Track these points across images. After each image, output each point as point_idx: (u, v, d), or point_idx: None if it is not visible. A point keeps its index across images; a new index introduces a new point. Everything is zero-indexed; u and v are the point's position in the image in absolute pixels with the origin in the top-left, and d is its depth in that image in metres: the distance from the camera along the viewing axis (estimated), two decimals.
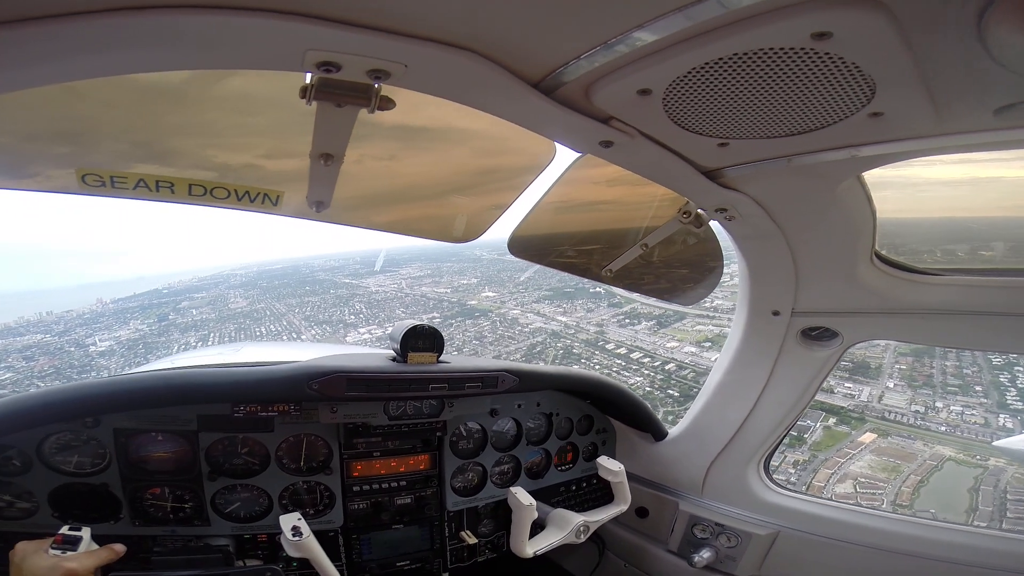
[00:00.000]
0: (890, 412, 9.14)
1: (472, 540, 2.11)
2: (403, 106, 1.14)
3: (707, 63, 0.88)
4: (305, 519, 1.60)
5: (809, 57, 0.84)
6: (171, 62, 0.87)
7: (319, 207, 1.51)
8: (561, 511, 2.17)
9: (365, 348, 3.03)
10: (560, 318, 22.12)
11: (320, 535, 1.68)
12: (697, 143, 1.18)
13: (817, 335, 1.92)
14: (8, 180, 1.33)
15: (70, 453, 1.57)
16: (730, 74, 0.91)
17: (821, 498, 2.13)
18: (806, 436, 8.63)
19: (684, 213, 1.67)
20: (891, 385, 9.88)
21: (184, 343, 24.68)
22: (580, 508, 2.27)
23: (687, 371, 13.92)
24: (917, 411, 9.05)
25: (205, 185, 1.40)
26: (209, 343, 24.39)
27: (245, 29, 0.75)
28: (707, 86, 0.95)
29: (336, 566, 1.70)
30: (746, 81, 0.92)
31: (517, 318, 23.44)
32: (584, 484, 2.49)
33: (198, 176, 1.38)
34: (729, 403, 2.16)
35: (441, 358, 1.92)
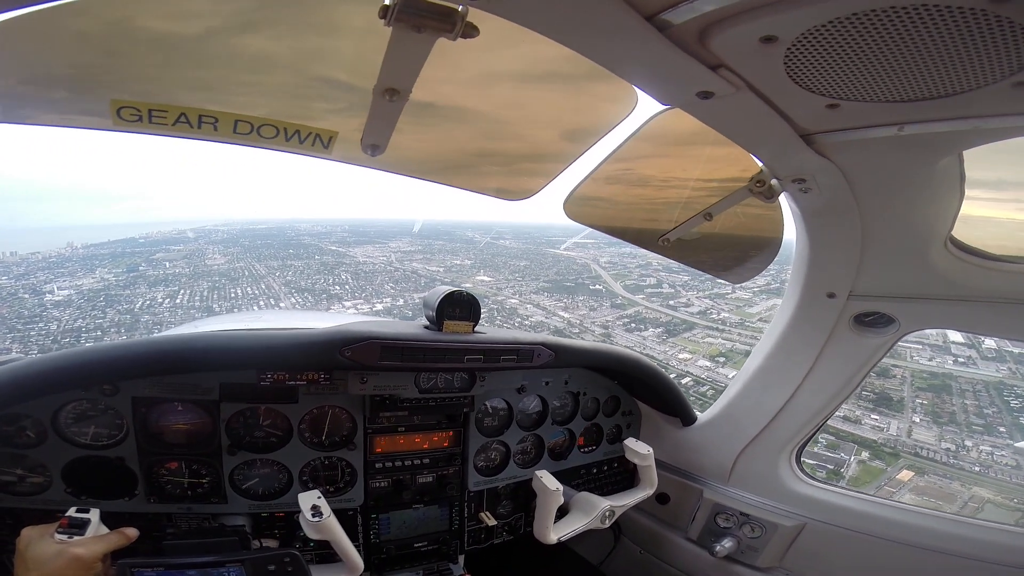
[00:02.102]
0: (922, 448, 9.31)
1: (492, 522, 2.17)
2: (472, 52, 1.10)
3: (856, 14, 0.85)
4: (325, 497, 1.60)
5: (976, 18, 0.81)
6: None
7: (374, 150, 1.48)
8: (586, 495, 2.21)
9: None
10: (562, 313, 22.21)
11: (338, 514, 1.68)
12: (805, 101, 1.17)
13: (871, 321, 1.95)
14: (40, 115, 1.30)
15: (86, 424, 1.58)
16: (877, 29, 0.87)
17: (853, 491, 2.19)
18: (843, 470, 8.80)
19: (758, 182, 1.67)
20: (917, 420, 10.13)
21: (150, 298, 24.61)
22: (601, 492, 2.32)
23: (706, 387, 14.05)
24: (948, 449, 9.28)
25: (252, 122, 1.32)
26: (177, 300, 24.39)
27: None
28: (845, 39, 0.91)
29: (353, 546, 1.70)
30: (892, 38, 0.89)
31: (516, 308, 23.59)
32: (606, 467, 2.57)
33: (245, 111, 1.30)
34: (768, 388, 2.20)
35: (476, 328, 1.93)
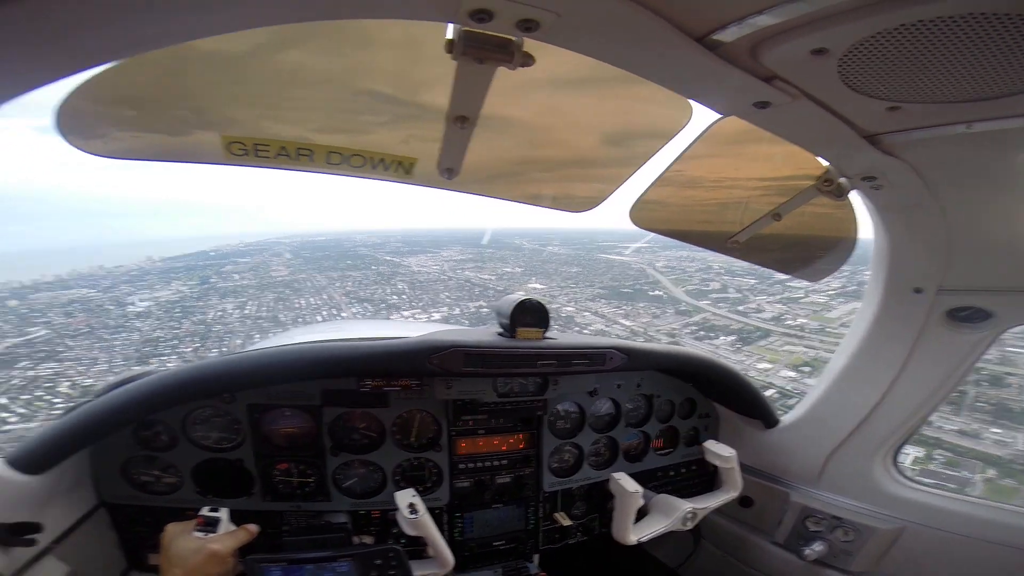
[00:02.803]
0: None
1: (567, 522, 2.25)
2: (534, 74, 1.15)
3: (903, 25, 0.87)
4: None
5: None
6: (334, 9, 0.92)
7: (449, 174, 1.62)
8: (665, 497, 2.23)
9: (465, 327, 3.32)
10: (623, 321, 21.82)
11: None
12: (864, 105, 1.20)
13: (966, 316, 1.90)
14: (158, 152, 1.48)
15: (210, 428, 1.82)
16: (929, 37, 0.90)
17: (957, 493, 2.11)
18: (968, 490, 8.24)
19: (825, 181, 1.69)
20: None
21: (221, 309, 26.91)
22: (679, 494, 2.33)
23: (794, 400, 13.50)
24: None
25: (343, 152, 1.49)
26: (245, 311, 26.43)
27: None
28: (896, 48, 0.94)
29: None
30: (945, 45, 0.91)
31: (573, 316, 23.48)
32: (683, 470, 2.59)
33: (336, 143, 1.48)
34: (856, 389, 2.18)
35: (546, 334, 2.04)
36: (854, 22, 0.88)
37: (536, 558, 2.31)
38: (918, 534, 2.12)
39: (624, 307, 22.86)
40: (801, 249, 2.23)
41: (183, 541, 1.39)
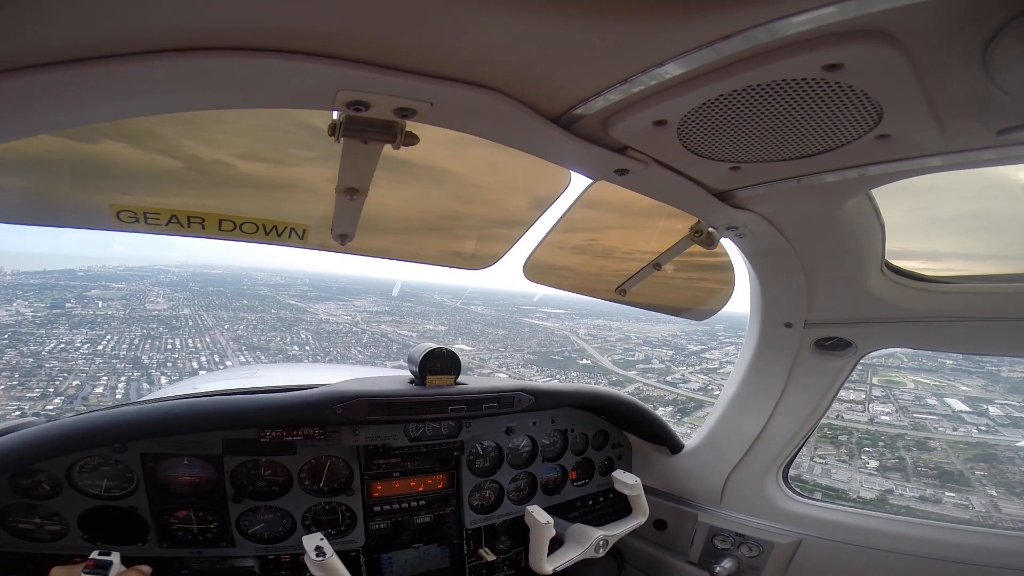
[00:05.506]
0: None
1: (491, 557, 2.47)
2: (424, 141, 1.35)
3: (722, 95, 1.09)
4: (328, 539, 1.83)
5: (820, 87, 1.04)
6: (210, 101, 1.07)
7: (343, 240, 1.83)
8: (579, 526, 2.48)
9: (382, 371, 3.43)
10: None
11: (342, 555, 1.93)
12: (709, 168, 1.46)
13: (831, 345, 2.30)
14: (48, 218, 1.61)
15: (99, 477, 1.85)
16: (744, 104, 1.12)
17: (842, 505, 2.50)
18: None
19: (696, 232, 2.00)
20: (994, 492, 10.08)
21: (66, 341, 23.92)
22: (598, 522, 2.59)
23: None
24: None
25: (235, 220, 1.65)
26: (99, 347, 23.82)
27: (283, 71, 0.94)
28: (721, 116, 1.18)
29: None
30: (759, 110, 1.14)
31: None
32: (601, 499, 2.91)
33: (228, 211, 1.64)
34: (745, 414, 2.56)
35: (458, 380, 2.29)
36: (684, 94, 1.10)
37: None
38: (814, 545, 2.46)
39: (557, 376, 23.27)
40: (685, 293, 2.67)
41: None
